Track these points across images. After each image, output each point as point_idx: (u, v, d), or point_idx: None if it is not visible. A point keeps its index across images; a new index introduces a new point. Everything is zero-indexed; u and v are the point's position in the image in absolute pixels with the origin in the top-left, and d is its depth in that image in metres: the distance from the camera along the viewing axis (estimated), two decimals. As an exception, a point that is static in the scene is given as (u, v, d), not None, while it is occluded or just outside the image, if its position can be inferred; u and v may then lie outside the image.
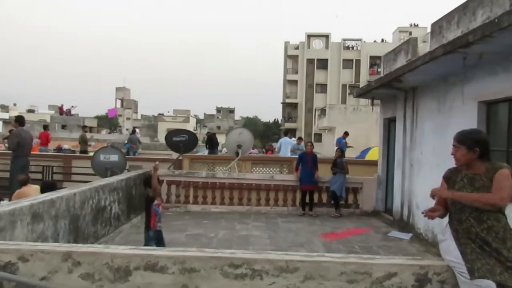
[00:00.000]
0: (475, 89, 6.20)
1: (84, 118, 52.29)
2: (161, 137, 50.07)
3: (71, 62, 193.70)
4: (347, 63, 53.29)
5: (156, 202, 5.37)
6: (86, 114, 61.23)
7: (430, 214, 3.08)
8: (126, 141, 22.66)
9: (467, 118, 6.20)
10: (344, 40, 54.65)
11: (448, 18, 7.00)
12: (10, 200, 6.43)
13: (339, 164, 10.05)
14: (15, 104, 73.18)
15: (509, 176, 2.82)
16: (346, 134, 17.89)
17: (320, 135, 39.86)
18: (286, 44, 56.74)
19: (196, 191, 10.21)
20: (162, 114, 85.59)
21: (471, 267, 2.72)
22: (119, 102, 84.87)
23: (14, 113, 50.97)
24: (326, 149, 29.48)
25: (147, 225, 5.35)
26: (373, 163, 12.19)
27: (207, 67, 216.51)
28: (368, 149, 18.47)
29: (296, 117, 55.53)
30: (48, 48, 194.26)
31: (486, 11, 5.84)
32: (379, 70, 45.34)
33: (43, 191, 5.94)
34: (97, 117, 64.87)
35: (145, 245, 5.17)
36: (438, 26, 7.39)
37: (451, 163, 3.07)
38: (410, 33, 48.00)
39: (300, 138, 18.86)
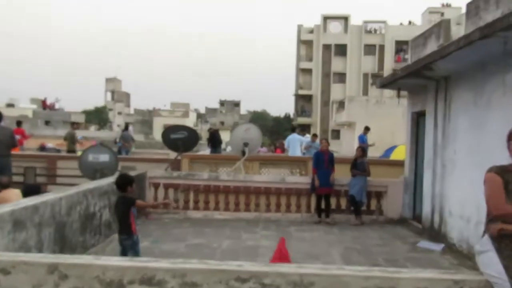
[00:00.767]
0: (517, 79, 6.14)
1: (70, 113, 52.74)
2: (157, 134, 50.29)
3: (56, 50, 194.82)
4: (369, 49, 52.97)
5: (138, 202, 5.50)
6: (72, 109, 61.80)
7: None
8: (117, 139, 22.79)
9: (509, 112, 6.13)
10: (366, 22, 54.36)
11: (486, -4, 6.95)
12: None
13: (359, 165, 10.03)
14: (-9, 98, 73.99)
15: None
16: (367, 129, 17.84)
17: (338, 131, 39.77)
18: (299, 27, 56.55)
19: (196, 195, 10.26)
20: (158, 109, 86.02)
21: (515, 284, 2.71)
22: (109, 94, 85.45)
23: (-10, 107, 51.55)
24: (344, 147, 29.42)
25: (128, 231, 5.29)
26: (399, 164, 12.18)
27: (208, 55, 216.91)
28: (394, 147, 18.44)
29: (310, 111, 55.39)
30: (28, 34, 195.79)
31: (530, -12, 5.78)
32: (406, 56, 45.13)
33: (25, 195, 6.01)
34: (84, 112, 65.34)
35: (132, 252, 5.21)
36: (474, 6, 7.33)
37: (489, 163, 3.05)
38: (442, 14, 47.64)
39: (315, 135, 18.82)
